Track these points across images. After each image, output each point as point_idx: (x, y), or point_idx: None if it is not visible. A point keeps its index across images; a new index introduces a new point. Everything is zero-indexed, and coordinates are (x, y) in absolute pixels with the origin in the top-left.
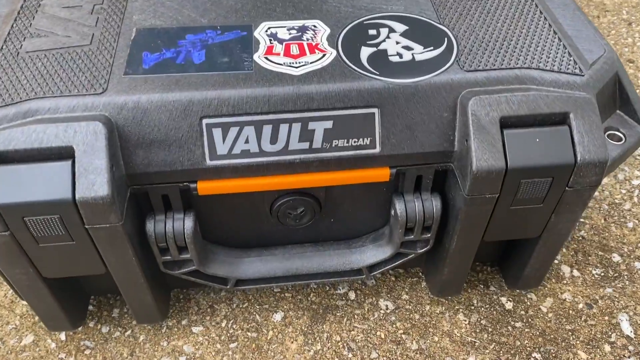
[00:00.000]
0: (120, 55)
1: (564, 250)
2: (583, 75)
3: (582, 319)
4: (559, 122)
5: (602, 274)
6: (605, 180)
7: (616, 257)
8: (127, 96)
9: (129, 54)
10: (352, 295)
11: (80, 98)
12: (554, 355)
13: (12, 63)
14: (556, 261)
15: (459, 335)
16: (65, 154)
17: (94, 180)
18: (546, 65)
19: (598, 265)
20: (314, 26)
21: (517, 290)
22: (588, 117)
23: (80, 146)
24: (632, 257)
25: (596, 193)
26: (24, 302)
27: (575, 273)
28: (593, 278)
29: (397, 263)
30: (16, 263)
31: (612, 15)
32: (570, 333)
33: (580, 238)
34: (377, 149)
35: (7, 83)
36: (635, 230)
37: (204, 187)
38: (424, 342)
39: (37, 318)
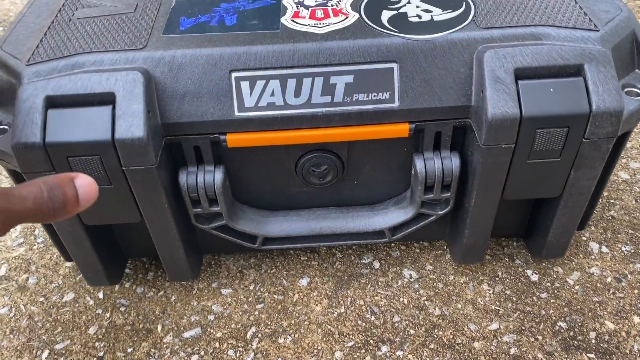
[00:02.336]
0: (160, 20)
1: (593, 227)
2: (598, 31)
3: (611, 291)
4: (573, 74)
5: (632, 251)
6: (636, 165)
7: None
8: (164, 51)
9: (168, 18)
10: (376, 264)
11: (121, 53)
12: (580, 324)
13: (64, 27)
14: (584, 238)
15: (482, 303)
16: (107, 99)
17: (132, 123)
18: (561, 23)
19: (628, 242)
20: None
21: (543, 264)
22: (603, 68)
23: (120, 92)
24: None
25: (627, 176)
26: (67, 264)
27: (604, 249)
28: (622, 254)
29: (419, 225)
30: None
31: None
32: (597, 304)
33: (610, 217)
34: (396, 103)
35: (58, 42)
36: None
37: (233, 139)
38: (447, 309)
39: (77, 278)
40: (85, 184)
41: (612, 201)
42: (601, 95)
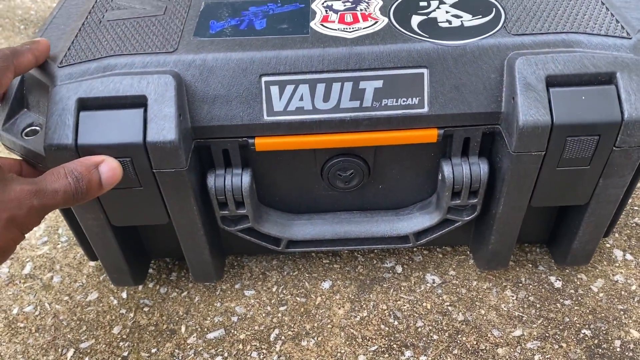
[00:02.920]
0: (190, 23)
1: (617, 235)
2: (630, 39)
3: (635, 300)
4: (605, 82)
5: None
6: None
7: None
8: (194, 55)
9: (198, 22)
10: (399, 268)
11: (153, 56)
12: (604, 332)
13: (94, 28)
14: (608, 245)
15: (506, 309)
16: (138, 102)
17: (163, 126)
18: (593, 30)
19: None
20: (368, 0)
21: (567, 271)
22: (636, 77)
23: (152, 95)
24: None
25: None
26: (91, 264)
27: (629, 257)
28: None
29: (444, 231)
30: (89, 208)
31: None
32: (622, 312)
33: (634, 224)
34: (426, 109)
35: (89, 44)
36: None
37: (261, 143)
38: (470, 315)
39: (101, 278)
40: (108, 170)
41: (636, 208)
42: (633, 103)
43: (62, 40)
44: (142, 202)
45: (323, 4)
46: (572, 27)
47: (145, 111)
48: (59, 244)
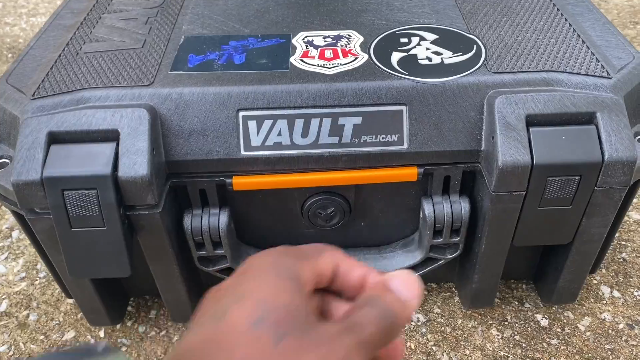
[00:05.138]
0: (169, 56)
1: (604, 271)
2: (610, 78)
3: (623, 339)
4: (585, 122)
5: None
6: None
7: None
8: (171, 88)
9: (176, 55)
10: None
11: (128, 89)
12: None
13: (71, 61)
14: (595, 281)
15: (491, 349)
16: (110, 136)
17: (135, 160)
18: (573, 69)
19: None
20: (349, 35)
21: (553, 308)
22: (615, 117)
23: (125, 129)
24: None
25: (639, 217)
26: (69, 301)
27: (616, 294)
28: (635, 299)
29: (427, 269)
30: (58, 249)
31: None
32: (609, 352)
33: (622, 260)
34: (405, 146)
35: (64, 76)
36: None
37: (239, 183)
38: (455, 355)
39: (79, 316)
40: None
41: (623, 243)
42: (614, 144)
43: (37, 72)
44: (103, 246)
45: (304, 39)
46: (552, 65)
47: (118, 145)
48: (37, 279)
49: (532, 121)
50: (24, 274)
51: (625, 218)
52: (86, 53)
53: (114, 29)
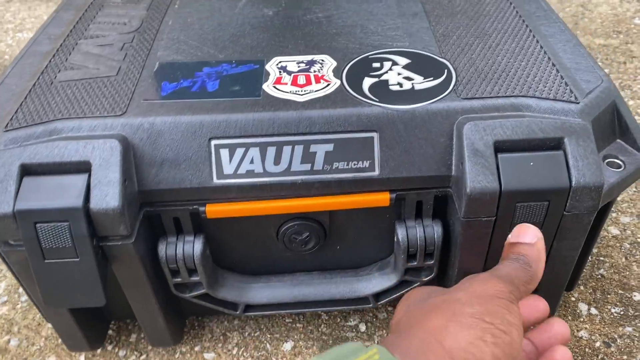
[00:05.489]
0: (142, 84)
1: (582, 287)
2: (578, 103)
3: (599, 357)
4: (553, 147)
5: (622, 313)
6: (627, 219)
7: (637, 296)
8: (143, 118)
9: (150, 83)
10: (362, 327)
11: (101, 119)
12: None
13: (45, 90)
14: (573, 298)
15: None
16: (82, 168)
17: (107, 192)
18: (542, 94)
19: (617, 303)
20: (322, 60)
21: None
22: (583, 142)
23: (96, 160)
24: None
25: (617, 232)
26: (50, 325)
27: (593, 311)
28: (612, 316)
29: (403, 291)
30: (33, 279)
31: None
32: None
33: (599, 276)
34: (377, 172)
35: (38, 107)
36: None
37: (212, 210)
38: None
39: (59, 340)
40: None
41: (601, 258)
42: (581, 170)
43: (10, 102)
44: (77, 277)
45: (277, 64)
46: (522, 90)
47: (90, 177)
48: (18, 304)
49: (500, 147)
50: (5, 298)
51: (604, 233)
52: (61, 82)
53: (89, 56)
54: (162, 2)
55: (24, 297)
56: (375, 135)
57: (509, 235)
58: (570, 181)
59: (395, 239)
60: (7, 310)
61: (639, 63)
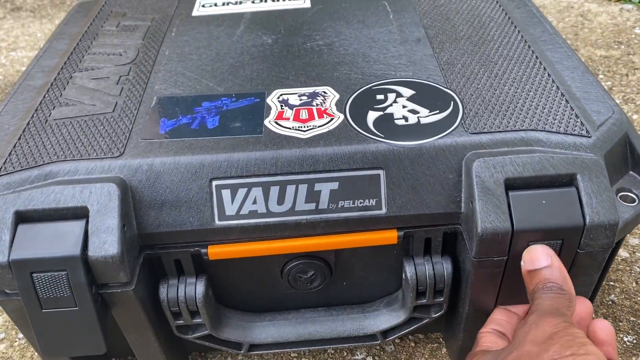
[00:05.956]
0: (140, 121)
1: (593, 316)
2: (590, 137)
3: None
4: (565, 184)
5: (635, 341)
6: (636, 241)
7: None
8: (141, 159)
9: (148, 120)
10: None
11: (98, 161)
12: None
13: (39, 130)
14: None
15: None
16: (80, 213)
17: (105, 239)
18: (552, 127)
19: (630, 331)
20: (324, 92)
21: None
22: (596, 178)
23: (94, 206)
24: None
25: (627, 254)
26: None
27: None
28: (625, 346)
29: (411, 328)
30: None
31: None
32: None
33: (610, 302)
34: (383, 210)
35: (33, 148)
36: None
37: (215, 252)
38: None
39: None
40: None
41: (611, 283)
42: (595, 207)
43: (3, 144)
44: (76, 326)
45: (279, 97)
46: (531, 123)
47: (87, 223)
48: (16, 341)
49: (511, 185)
50: (3, 335)
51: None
52: (55, 120)
53: (84, 90)
54: (158, 29)
55: (22, 335)
56: (381, 172)
57: (522, 262)
58: (584, 219)
59: (404, 276)
60: (5, 348)
61: None
